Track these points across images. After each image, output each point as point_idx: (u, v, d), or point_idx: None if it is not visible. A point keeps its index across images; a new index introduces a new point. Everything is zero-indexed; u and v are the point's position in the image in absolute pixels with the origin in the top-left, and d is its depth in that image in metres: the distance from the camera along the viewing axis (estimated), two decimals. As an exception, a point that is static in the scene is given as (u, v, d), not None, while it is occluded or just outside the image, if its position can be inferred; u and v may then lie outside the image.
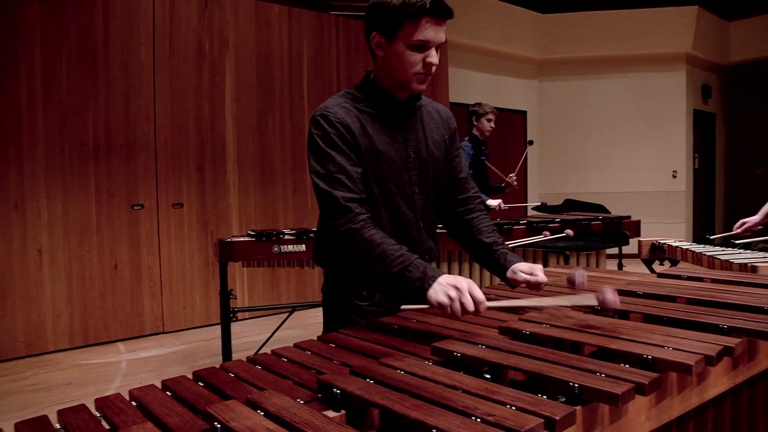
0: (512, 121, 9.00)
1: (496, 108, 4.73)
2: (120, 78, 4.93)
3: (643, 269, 3.69)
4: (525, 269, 1.63)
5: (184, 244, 5.33)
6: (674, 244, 3.31)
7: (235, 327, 5.40)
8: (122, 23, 4.94)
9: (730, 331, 1.25)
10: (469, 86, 8.27)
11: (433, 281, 1.41)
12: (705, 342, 1.12)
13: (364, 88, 1.66)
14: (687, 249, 3.12)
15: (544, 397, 0.92)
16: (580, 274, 1.53)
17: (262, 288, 5.78)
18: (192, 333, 5.25)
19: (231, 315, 3.46)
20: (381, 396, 0.95)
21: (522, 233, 3.82)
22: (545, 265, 3.41)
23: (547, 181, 9.40)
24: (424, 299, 1.42)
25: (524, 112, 9.22)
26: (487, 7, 8.24)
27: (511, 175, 4.85)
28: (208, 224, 5.47)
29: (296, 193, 6.01)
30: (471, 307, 1.35)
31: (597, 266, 3.77)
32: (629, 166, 9.33)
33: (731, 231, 3.17)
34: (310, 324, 5.42)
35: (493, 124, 4.73)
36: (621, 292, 1.66)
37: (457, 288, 1.37)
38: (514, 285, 1.69)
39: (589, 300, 1.38)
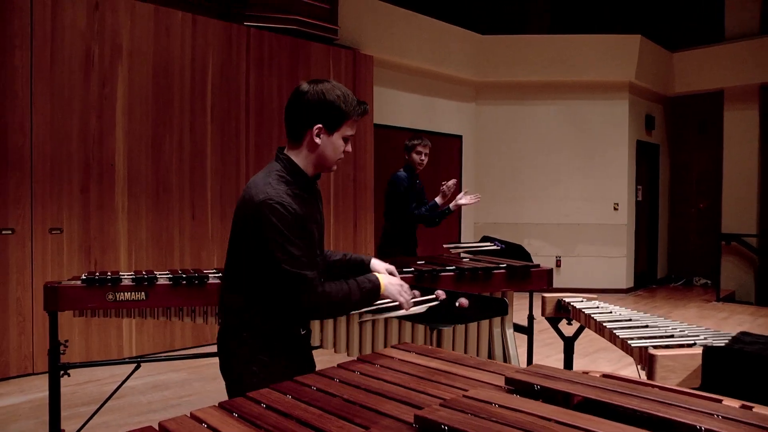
0: (446, 146, 8.57)
1: (428, 132, 4.40)
2: (-14, 85, 4.34)
3: (550, 331, 3.28)
4: (381, 269, 2.15)
5: (62, 273, 4.72)
6: (578, 306, 2.89)
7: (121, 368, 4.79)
8: (-10, 21, 4.36)
9: None
10: (398, 107, 7.77)
11: (381, 284, 1.96)
12: None
13: (290, 172, 1.91)
14: (590, 315, 2.70)
15: None
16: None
17: (152, 328, 5.19)
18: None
19: (62, 372, 2.89)
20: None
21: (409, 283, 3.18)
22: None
23: (482, 210, 8.98)
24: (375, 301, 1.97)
25: (460, 137, 8.81)
26: (419, 24, 7.79)
27: (446, 183, 4.61)
28: (92, 251, 4.88)
29: (195, 219, 5.44)
30: (410, 295, 2.03)
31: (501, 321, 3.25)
32: (568, 196, 9.00)
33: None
34: (200, 367, 4.89)
35: (423, 157, 4.58)
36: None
37: (399, 285, 2.01)
38: None
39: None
